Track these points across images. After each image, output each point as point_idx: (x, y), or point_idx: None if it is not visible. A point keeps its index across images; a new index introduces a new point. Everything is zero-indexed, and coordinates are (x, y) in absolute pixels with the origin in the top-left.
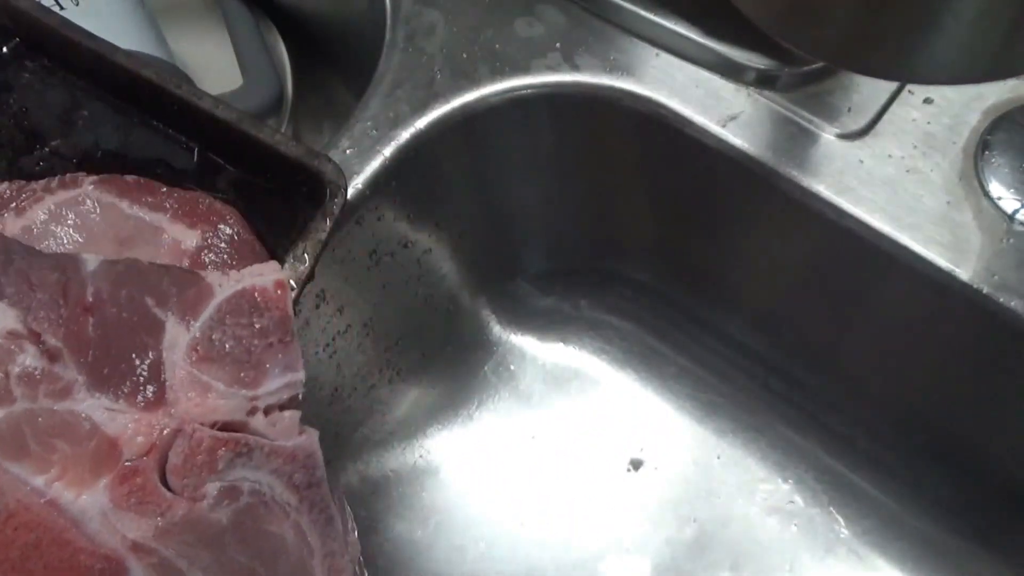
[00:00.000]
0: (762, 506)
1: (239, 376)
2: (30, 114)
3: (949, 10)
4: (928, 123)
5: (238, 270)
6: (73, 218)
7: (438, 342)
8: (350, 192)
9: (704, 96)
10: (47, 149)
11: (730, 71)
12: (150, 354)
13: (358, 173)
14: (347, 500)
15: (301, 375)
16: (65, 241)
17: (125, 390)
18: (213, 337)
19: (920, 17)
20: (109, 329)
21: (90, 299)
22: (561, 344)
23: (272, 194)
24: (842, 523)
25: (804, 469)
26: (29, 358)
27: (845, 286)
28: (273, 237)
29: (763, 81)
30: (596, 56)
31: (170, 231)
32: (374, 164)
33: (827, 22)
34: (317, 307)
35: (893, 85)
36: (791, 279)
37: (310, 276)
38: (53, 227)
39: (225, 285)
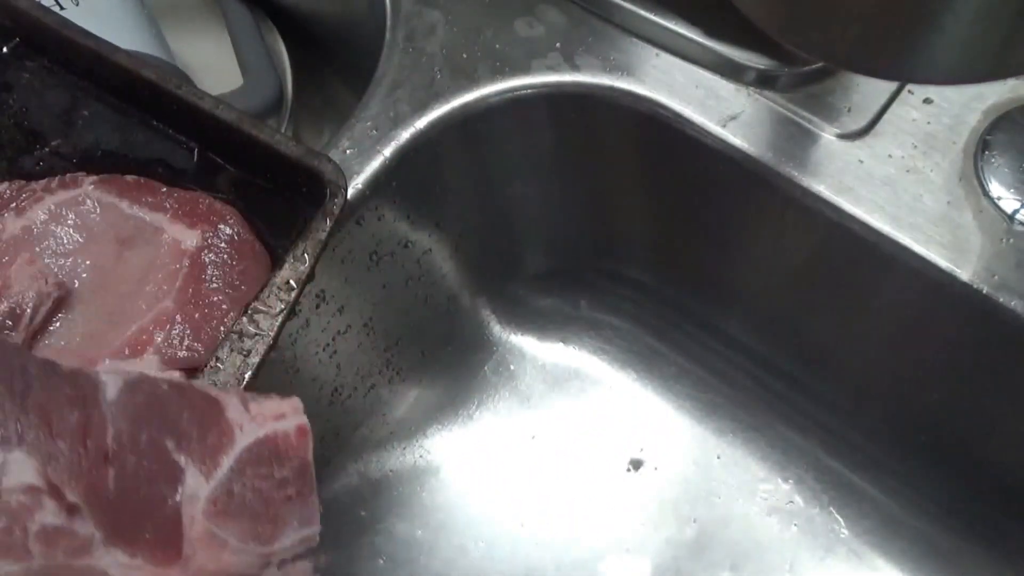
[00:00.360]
0: (762, 506)
1: (255, 531)
2: (30, 114)
3: (949, 10)
4: (928, 123)
5: (258, 404)
6: (73, 218)
7: (438, 342)
8: (350, 192)
9: (704, 96)
10: (47, 149)
11: (730, 71)
12: (168, 507)
13: (358, 173)
14: (347, 500)
15: (317, 528)
16: (65, 241)
17: (142, 545)
18: (233, 489)
19: (920, 17)
20: (128, 481)
21: (111, 445)
22: (561, 344)
23: (272, 194)
24: (842, 523)
25: (804, 469)
26: (49, 515)
27: (845, 286)
28: (273, 237)
29: (763, 81)
30: (596, 56)
31: (170, 231)
32: (374, 164)
33: (827, 22)
34: (317, 307)
35: (893, 85)
36: (791, 279)
37: (310, 276)
38: (53, 227)
39: (247, 428)
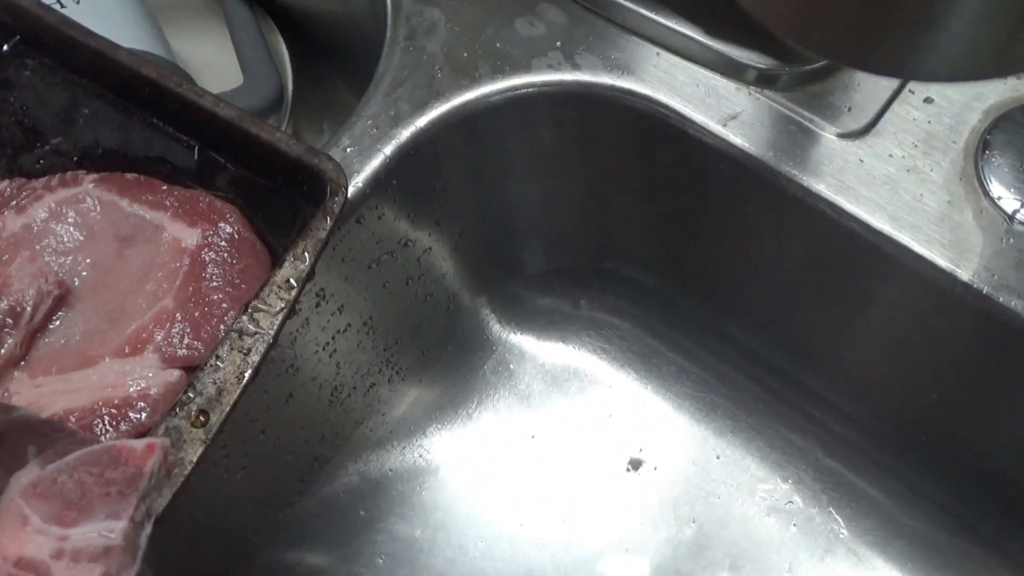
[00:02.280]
0: (761, 506)
1: (60, 514)
2: (31, 112)
3: (951, 7)
4: (929, 122)
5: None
6: (73, 216)
7: (438, 341)
8: (350, 191)
9: (705, 95)
10: (48, 147)
11: (731, 70)
12: None
13: (359, 172)
14: (347, 500)
15: (121, 525)
16: (65, 239)
17: None
18: (58, 479)
19: (923, 14)
20: None
21: None
22: (561, 344)
23: (273, 192)
24: (841, 523)
25: (803, 469)
26: None
27: (845, 286)
28: (273, 235)
29: (764, 80)
30: (597, 55)
31: (170, 229)
32: (375, 163)
33: (830, 20)
34: (317, 306)
35: (894, 84)
36: (791, 278)
37: (310, 274)
38: (53, 225)
39: (107, 442)
